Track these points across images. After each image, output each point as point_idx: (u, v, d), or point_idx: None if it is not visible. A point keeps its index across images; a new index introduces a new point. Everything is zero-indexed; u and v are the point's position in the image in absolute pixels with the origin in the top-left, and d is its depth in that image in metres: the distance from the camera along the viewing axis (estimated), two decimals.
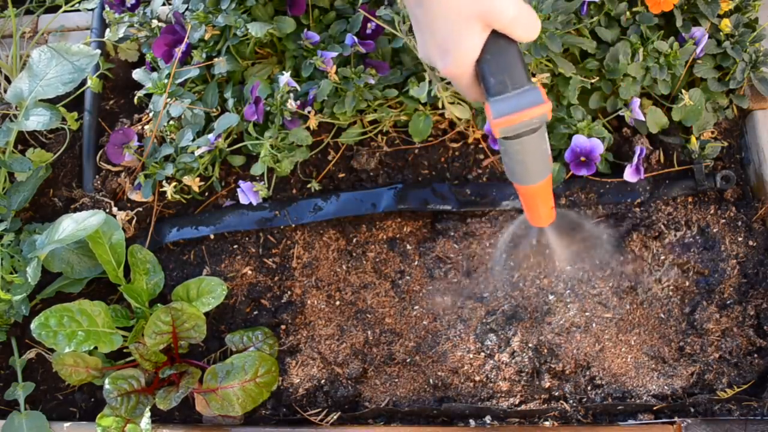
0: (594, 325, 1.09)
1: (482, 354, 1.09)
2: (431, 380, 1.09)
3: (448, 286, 1.14)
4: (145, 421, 1.07)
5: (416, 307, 1.14)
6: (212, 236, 1.22)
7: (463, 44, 0.73)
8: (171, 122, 1.21)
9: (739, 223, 1.12)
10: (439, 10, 0.73)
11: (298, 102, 1.13)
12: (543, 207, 0.90)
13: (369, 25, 1.13)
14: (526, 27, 0.74)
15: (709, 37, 1.10)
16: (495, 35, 0.73)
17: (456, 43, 0.73)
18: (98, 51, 1.25)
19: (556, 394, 1.06)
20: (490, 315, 1.11)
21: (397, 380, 1.11)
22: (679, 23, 1.11)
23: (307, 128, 1.16)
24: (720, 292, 1.09)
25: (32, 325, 1.04)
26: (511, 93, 0.73)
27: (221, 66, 1.18)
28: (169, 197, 1.20)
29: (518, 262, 1.13)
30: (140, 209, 1.25)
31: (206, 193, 1.27)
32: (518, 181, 0.83)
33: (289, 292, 1.17)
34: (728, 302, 1.09)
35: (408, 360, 1.11)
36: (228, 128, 1.16)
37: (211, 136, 1.15)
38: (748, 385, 1.04)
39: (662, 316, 1.09)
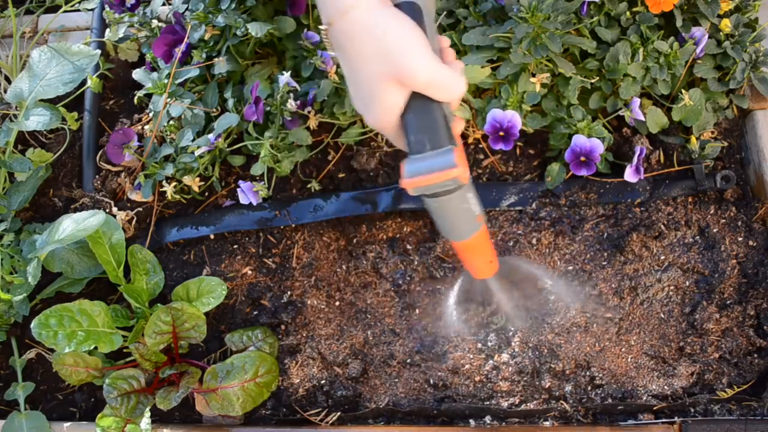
0: (594, 325, 1.09)
1: (482, 354, 1.09)
2: (431, 380, 1.09)
3: (448, 286, 1.14)
4: (145, 421, 1.07)
5: (416, 307, 1.14)
6: (212, 236, 1.22)
7: (383, 101, 0.73)
8: (171, 122, 1.21)
9: (739, 223, 1.12)
10: (358, 68, 0.74)
11: (298, 102, 1.13)
12: (477, 261, 0.89)
13: None
14: (443, 90, 0.73)
15: (709, 37, 1.10)
16: (417, 94, 0.73)
17: (376, 99, 0.74)
18: (98, 51, 1.25)
19: (556, 394, 1.06)
20: (491, 315, 1.11)
21: (397, 380, 1.11)
22: (679, 23, 1.11)
23: (307, 128, 1.16)
24: (720, 292, 1.09)
25: (32, 325, 1.04)
26: (427, 154, 0.72)
27: (221, 66, 1.18)
28: (169, 197, 1.20)
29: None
30: (140, 209, 1.25)
31: (206, 193, 1.27)
32: (445, 236, 0.82)
33: (289, 292, 1.17)
34: (728, 302, 1.09)
35: (408, 360, 1.11)
36: (228, 128, 1.16)
37: (211, 136, 1.15)
38: (748, 385, 1.04)
39: (662, 316, 1.09)
